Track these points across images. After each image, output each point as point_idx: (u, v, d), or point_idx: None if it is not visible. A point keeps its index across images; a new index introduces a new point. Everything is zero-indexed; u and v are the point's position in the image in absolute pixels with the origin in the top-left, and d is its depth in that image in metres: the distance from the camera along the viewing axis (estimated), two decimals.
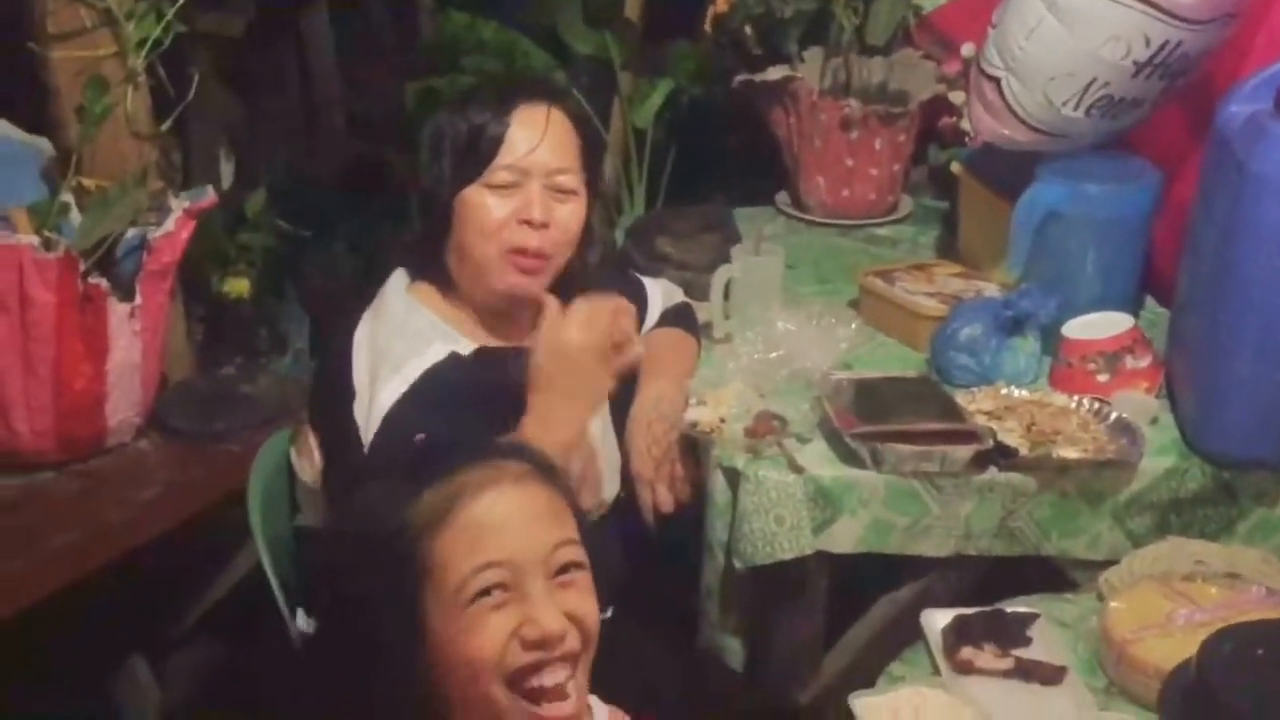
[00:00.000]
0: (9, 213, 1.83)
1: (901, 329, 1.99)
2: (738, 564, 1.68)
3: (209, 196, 1.97)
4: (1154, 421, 1.77)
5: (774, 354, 1.84)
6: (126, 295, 1.87)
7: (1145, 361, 1.83)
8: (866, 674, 1.56)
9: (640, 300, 1.88)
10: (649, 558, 1.72)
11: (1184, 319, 1.79)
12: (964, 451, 1.65)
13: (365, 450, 1.49)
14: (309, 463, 1.60)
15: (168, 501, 1.90)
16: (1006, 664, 1.47)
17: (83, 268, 1.81)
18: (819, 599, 1.74)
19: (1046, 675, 1.46)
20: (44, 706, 2.13)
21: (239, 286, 2.22)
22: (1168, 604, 1.50)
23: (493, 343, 1.62)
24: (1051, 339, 1.87)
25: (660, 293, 1.91)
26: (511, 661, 1.08)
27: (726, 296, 1.96)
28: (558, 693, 1.10)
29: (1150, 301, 2.03)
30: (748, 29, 2.53)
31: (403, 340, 1.55)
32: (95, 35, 1.91)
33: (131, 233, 1.88)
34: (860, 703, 1.40)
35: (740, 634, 1.74)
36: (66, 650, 2.12)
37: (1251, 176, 1.58)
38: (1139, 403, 1.77)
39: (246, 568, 2.04)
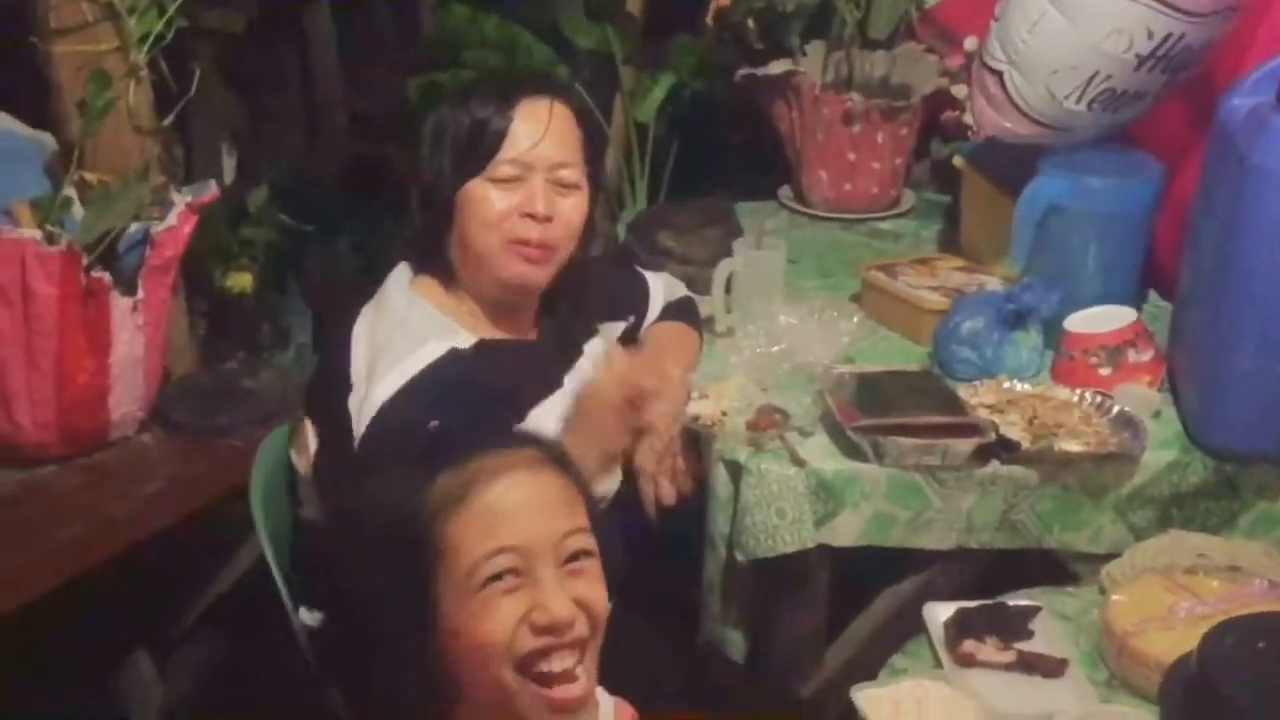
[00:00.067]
0: (12, 207, 1.84)
1: (904, 323, 1.99)
2: (739, 557, 1.69)
3: (211, 191, 1.97)
4: (1156, 415, 1.77)
5: (776, 348, 1.84)
6: (129, 290, 1.88)
7: (1147, 355, 1.83)
8: (868, 667, 1.56)
9: (642, 295, 1.88)
10: (651, 551, 1.72)
11: (1186, 312, 1.79)
12: (966, 445, 1.65)
13: (356, 444, 1.49)
14: (304, 456, 1.60)
15: (170, 496, 1.90)
16: (1008, 657, 1.47)
17: (85, 262, 1.81)
18: (821, 592, 1.74)
19: (1048, 668, 1.46)
20: (47, 702, 2.14)
21: (241, 281, 2.22)
22: (1169, 597, 1.50)
23: (495, 335, 1.62)
24: (1053, 333, 1.87)
25: (662, 287, 1.91)
26: (521, 646, 1.09)
27: (728, 290, 1.96)
28: (566, 676, 1.11)
29: (1152, 295, 2.04)
30: (750, 23, 2.53)
31: (401, 335, 1.55)
32: (97, 30, 1.91)
33: (134, 227, 1.88)
34: (862, 695, 1.40)
35: (742, 627, 1.74)
36: (70, 645, 2.13)
37: (1253, 170, 1.58)
38: (1141, 396, 1.77)
39: (249, 562, 2.04)
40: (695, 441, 1.74)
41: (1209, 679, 1.27)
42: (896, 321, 2.00)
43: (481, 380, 1.54)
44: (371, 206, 2.79)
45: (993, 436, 1.66)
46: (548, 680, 1.10)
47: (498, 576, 1.09)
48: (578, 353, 1.72)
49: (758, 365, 1.82)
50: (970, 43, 2.08)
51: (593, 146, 1.65)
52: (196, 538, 2.07)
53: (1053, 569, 1.72)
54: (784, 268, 2.04)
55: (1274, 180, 1.57)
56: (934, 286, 2.00)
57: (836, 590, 1.75)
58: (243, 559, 2.11)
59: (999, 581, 1.65)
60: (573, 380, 1.68)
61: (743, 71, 2.48)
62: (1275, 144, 1.57)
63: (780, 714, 1.58)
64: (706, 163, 2.80)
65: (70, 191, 1.89)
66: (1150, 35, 1.76)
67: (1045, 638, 1.51)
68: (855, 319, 1.94)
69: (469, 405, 1.47)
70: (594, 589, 1.13)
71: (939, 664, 1.49)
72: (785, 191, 2.53)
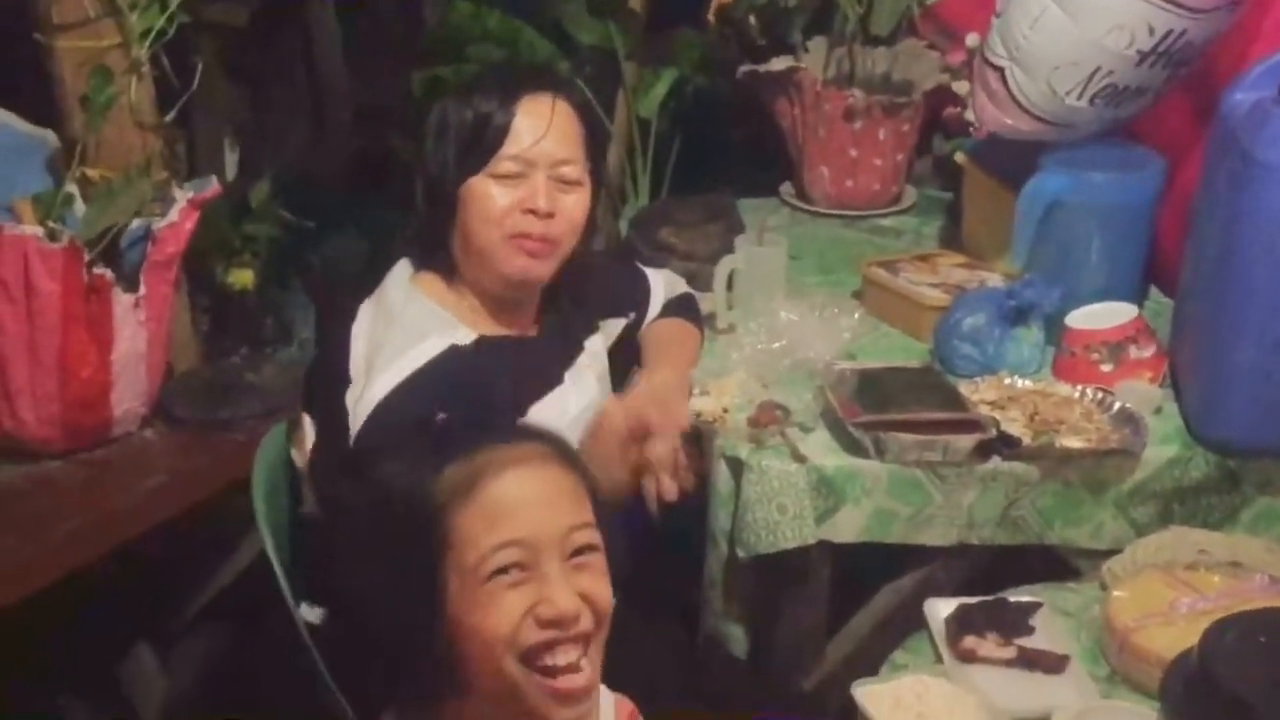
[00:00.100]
0: (14, 204, 1.84)
1: (905, 319, 1.99)
2: (741, 553, 1.69)
3: (213, 187, 1.97)
4: (1157, 411, 1.77)
5: (777, 344, 1.84)
6: (131, 285, 1.88)
7: (1149, 351, 1.83)
8: (869, 662, 1.56)
9: (643, 291, 1.88)
10: (652, 547, 1.72)
11: (1187, 307, 1.79)
12: (967, 441, 1.66)
13: (351, 438, 1.49)
14: (303, 451, 1.60)
15: (172, 490, 1.90)
16: (1009, 653, 1.47)
17: (87, 258, 1.82)
18: (822, 588, 1.74)
19: (1049, 664, 1.47)
20: (51, 694, 2.14)
21: (243, 278, 2.22)
22: (1171, 593, 1.50)
23: (496, 331, 1.62)
24: (1055, 329, 1.87)
25: (663, 283, 1.91)
26: (526, 639, 1.10)
27: (730, 287, 1.96)
28: (570, 669, 1.12)
29: (1154, 291, 2.04)
30: (752, 19, 2.53)
31: (401, 331, 1.55)
32: (99, 25, 1.91)
33: (136, 223, 1.89)
34: (863, 691, 1.40)
35: (743, 622, 1.75)
36: (73, 638, 2.13)
37: (1256, 164, 1.58)
38: (1142, 392, 1.77)
39: (251, 556, 2.05)
40: (697, 438, 1.73)
41: (1210, 674, 1.27)
42: (898, 318, 2.00)
43: (481, 376, 1.54)
44: (374, 202, 2.79)
45: (994, 433, 1.67)
46: (551, 673, 1.11)
47: (504, 570, 1.10)
48: (579, 349, 1.72)
49: (759, 361, 1.82)
50: (972, 39, 2.08)
51: (595, 143, 1.65)
52: (198, 532, 2.08)
53: (1054, 565, 1.72)
54: (785, 264, 2.04)
55: (1276, 174, 1.57)
56: (935, 283, 2.00)
57: (837, 586, 1.75)
58: (244, 553, 2.12)
59: (1000, 577, 1.65)
60: (573, 377, 1.68)
61: (745, 67, 2.48)
62: (1278, 138, 1.57)
63: None
64: (708, 159, 2.79)
65: (72, 188, 1.89)
66: (1152, 31, 1.76)
67: (1046, 634, 1.51)
68: (856, 315, 1.94)
69: (469, 401, 1.47)
70: (599, 583, 1.14)
71: (940, 660, 1.49)
72: (787, 188, 2.53)
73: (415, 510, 1.11)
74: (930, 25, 2.47)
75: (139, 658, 2.17)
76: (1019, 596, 1.57)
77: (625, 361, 1.81)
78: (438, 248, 1.61)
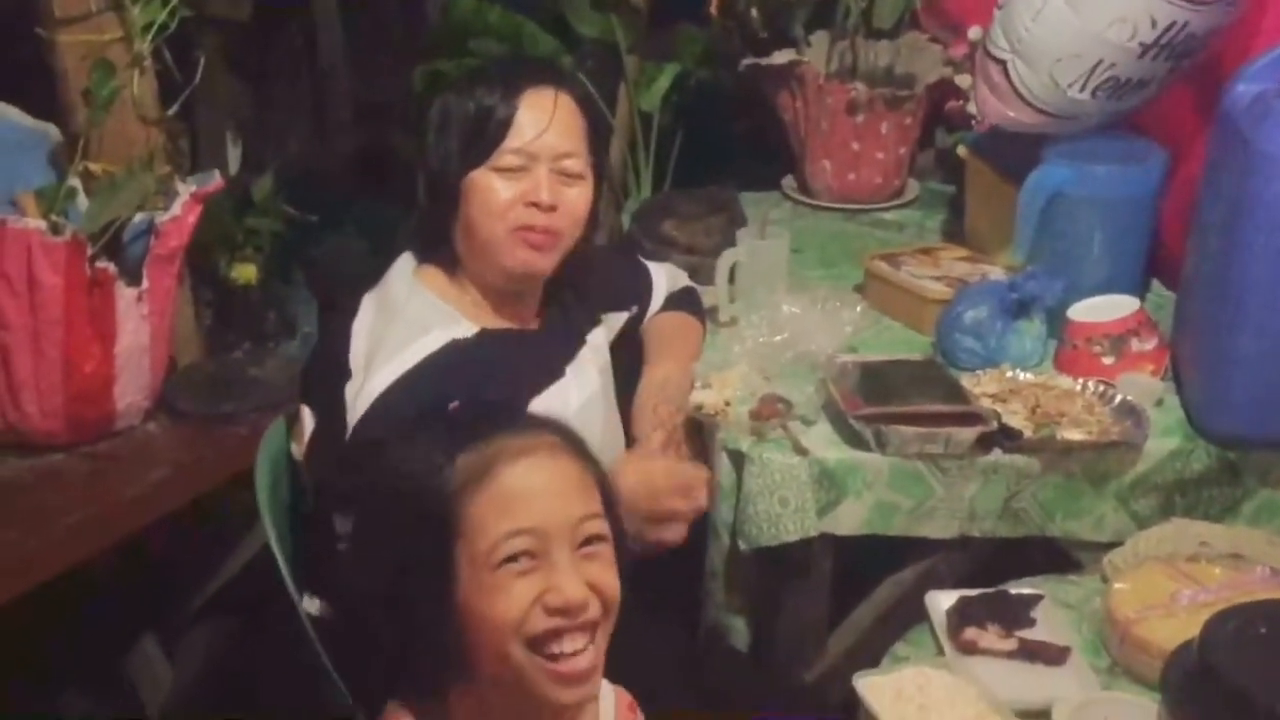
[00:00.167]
0: (17, 197, 1.84)
1: (907, 312, 1.99)
2: (743, 545, 1.69)
3: (216, 181, 1.97)
4: (1159, 404, 1.77)
5: (779, 337, 1.85)
6: (134, 279, 1.88)
7: (1151, 344, 1.83)
8: (871, 654, 1.57)
9: (645, 285, 1.88)
10: None
11: (1190, 299, 1.79)
12: (968, 433, 1.66)
13: (349, 431, 1.49)
14: (302, 444, 1.61)
15: (176, 483, 1.91)
16: (1010, 645, 1.48)
17: (90, 252, 1.82)
18: (823, 580, 1.74)
19: (1050, 656, 1.47)
20: (57, 686, 2.15)
21: (246, 272, 2.23)
22: (1172, 585, 1.51)
23: (498, 325, 1.63)
24: (1057, 322, 1.87)
25: (665, 277, 1.91)
26: (533, 626, 1.11)
27: (732, 280, 1.97)
28: (575, 655, 1.13)
29: (1156, 284, 2.03)
30: (754, 12, 2.53)
31: (402, 325, 1.55)
32: (101, 20, 1.91)
33: (139, 217, 1.89)
34: (864, 683, 1.40)
35: (745, 615, 1.75)
36: (77, 630, 2.14)
37: (1258, 156, 1.58)
38: (1144, 385, 1.77)
39: (255, 548, 2.05)
40: (698, 431, 1.74)
41: (1211, 666, 1.27)
42: (900, 311, 2.00)
43: (482, 369, 1.54)
44: (377, 196, 2.79)
45: (995, 425, 1.67)
46: (556, 660, 1.12)
47: (514, 558, 1.11)
48: (580, 342, 1.72)
49: (761, 355, 1.83)
50: (974, 32, 2.08)
51: (597, 136, 1.65)
52: (202, 525, 2.09)
53: (1055, 557, 1.73)
54: (787, 257, 2.04)
55: (1278, 167, 1.57)
56: (937, 276, 2.01)
57: (839, 578, 1.76)
58: (248, 545, 2.12)
59: (1001, 570, 1.65)
60: (575, 370, 1.68)
61: (747, 61, 2.48)
62: None
63: None
64: (711, 152, 2.80)
65: (75, 182, 1.89)
66: (1154, 23, 1.76)
67: (1047, 626, 1.52)
68: (858, 308, 1.94)
69: (469, 395, 1.47)
70: (607, 573, 1.15)
71: (941, 652, 1.49)
72: (789, 181, 2.53)
73: (429, 496, 1.12)
74: (932, 18, 2.47)
75: (144, 650, 2.18)
76: (1020, 589, 1.57)
77: (627, 355, 1.81)
78: (440, 241, 1.61)
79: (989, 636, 1.48)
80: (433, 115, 1.60)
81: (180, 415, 2.01)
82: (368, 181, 2.98)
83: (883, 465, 1.66)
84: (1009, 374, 1.80)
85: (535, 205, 1.56)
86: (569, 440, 1.18)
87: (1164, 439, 1.71)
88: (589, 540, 1.14)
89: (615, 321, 1.82)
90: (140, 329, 1.90)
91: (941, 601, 1.54)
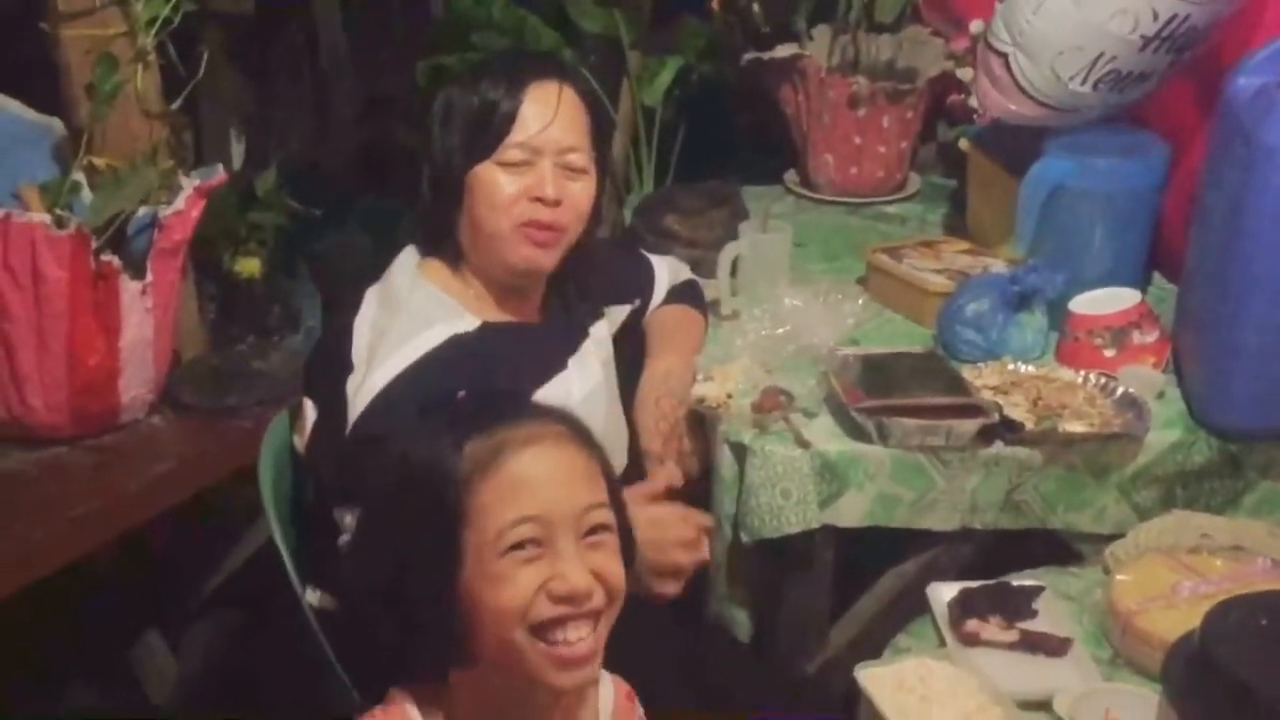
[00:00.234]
0: (21, 191, 1.85)
1: (908, 305, 1.99)
2: (745, 538, 1.69)
3: (219, 175, 1.97)
4: (1160, 396, 1.77)
5: (781, 330, 1.85)
6: (138, 273, 1.89)
7: (1152, 337, 1.83)
8: (873, 646, 1.57)
9: (647, 278, 1.89)
10: None
11: (1191, 291, 1.79)
12: (970, 425, 1.66)
13: (349, 426, 1.50)
14: (302, 436, 1.61)
15: (180, 476, 1.91)
16: (1012, 636, 1.48)
17: (95, 245, 1.82)
18: (825, 572, 1.75)
19: (1051, 647, 1.47)
20: (61, 680, 2.16)
21: (250, 267, 2.23)
22: (1173, 576, 1.51)
23: (501, 318, 1.63)
24: (1058, 314, 1.87)
25: (667, 270, 1.91)
26: (538, 614, 1.12)
27: (734, 273, 1.97)
28: (576, 642, 1.13)
29: (1158, 277, 2.03)
30: (756, 6, 2.53)
31: (405, 319, 1.56)
32: (105, 14, 1.92)
33: (143, 211, 1.89)
34: (866, 674, 1.41)
35: (747, 607, 1.75)
36: (81, 623, 2.15)
37: (1260, 148, 1.58)
38: (1145, 377, 1.78)
39: (259, 541, 2.06)
40: (700, 423, 1.74)
41: (1211, 657, 1.27)
42: (901, 304, 2.00)
43: (485, 362, 1.55)
44: (380, 190, 2.80)
45: (996, 417, 1.67)
46: (558, 644, 1.13)
47: (519, 545, 1.12)
48: (583, 335, 1.73)
49: (763, 347, 1.83)
50: (976, 25, 2.09)
51: (600, 131, 1.66)
52: (206, 518, 2.09)
53: (1056, 549, 1.73)
54: (789, 251, 2.05)
55: None
56: (939, 269, 2.01)
57: (841, 570, 1.76)
58: (252, 538, 2.13)
59: (1003, 562, 1.66)
60: (577, 363, 1.68)
61: (749, 55, 2.49)
62: None
63: None
64: (713, 146, 2.80)
65: (79, 176, 1.89)
66: (1155, 16, 1.76)
67: (1049, 617, 1.52)
68: (860, 302, 1.94)
69: (472, 388, 1.47)
70: (612, 562, 1.16)
71: (943, 643, 1.49)
72: (791, 175, 2.53)
73: (437, 484, 1.13)
74: (934, 12, 2.47)
75: (149, 643, 2.18)
76: (1022, 580, 1.57)
77: (630, 348, 1.82)
78: (444, 235, 1.62)
79: (991, 628, 1.48)
80: (437, 109, 1.60)
81: (184, 409, 2.02)
82: (371, 176, 2.98)
83: (884, 457, 1.67)
84: (1010, 366, 1.80)
85: (539, 200, 1.56)
86: (575, 430, 1.19)
87: (1165, 431, 1.71)
88: (594, 529, 1.15)
89: (618, 314, 1.82)
90: (144, 322, 1.91)
91: (943, 593, 1.54)
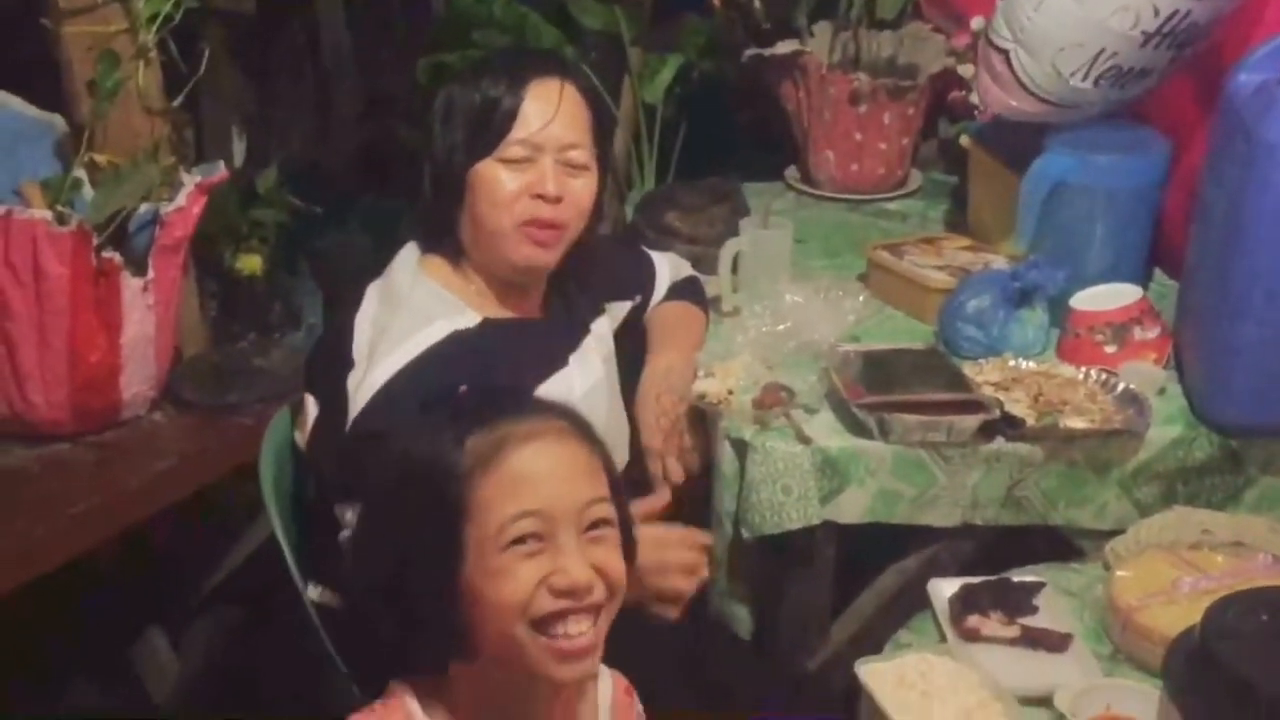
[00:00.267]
0: (22, 188, 1.85)
1: (909, 301, 1.99)
2: (745, 534, 1.70)
3: (220, 172, 1.97)
4: (1161, 392, 1.77)
5: (782, 326, 1.85)
6: (139, 269, 1.89)
7: (1153, 333, 1.83)
8: (874, 642, 1.57)
9: (648, 274, 1.89)
10: None
11: (1192, 287, 1.79)
12: (971, 421, 1.66)
13: (350, 422, 1.50)
14: (303, 432, 1.61)
15: (181, 472, 1.91)
16: (1013, 632, 1.48)
17: (96, 242, 1.82)
18: (826, 568, 1.75)
19: (1052, 643, 1.47)
20: (62, 677, 2.16)
21: (251, 263, 2.23)
22: (1173, 572, 1.51)
23: (502, 315, 1.63)
24: (1059, 310, 1.87)
25: (668, 266, 1.91)
26: (539, 608, 1.12)
27: (735, 270, 1.97)
28: (577, 635, 1.14)
29: (1158, 273, 2.04)
30: (757, 3, 2.53)
31: (406, 315, 1.56)
32: (106, 10, 1.91)
33: (144, 208, 1.89)
34: (867, 670, 1.41)
35: (748, 603, 1.76)
36: (82, 620, 2.15)
37: (1261, 144, 1.59)
38: (1146, 373, 1.78)
39: (260, 538, 2.06)
40: (701, 419, 1.74)
41: (1212, 653, 1.28)
42: (902, 300, 2.00)
43: (485, 359, 1.55)
44: (381, 188, 2.80)
45: (998, 414, 1.67)
46: (558, 638, 1.13)
47: (521, 539, 1.12)
48: (584, 332, 1.73)
49: (764, 344, 1.83)
50: (977, 22, 2.08)
51: (601, 127, 1.65)
52: (207, 514, 2.09)
53: (1057, 545, 1.73)
54: (790, 247, 2.05)
55: None
56: (940, 266, 2.01)
57: (842, 566, 1.76)
58: (253, 535, 2.13)
59: (1004, 558, 1.66)
60: (578, 359, 1.69)
61: (750, 52, 2.49)
62: None
63: None
64: (714, 143, 2.80)
65: (80, 172, 1.89)
66: (1156, 12, 1.76)
67: (1049, 613, 1.52)
68: (861, 298, 1.95)
69: (472, 384, 1.47)
70: (613, 557, 1.16)
71: (944, 639, 1.50)
72: (792, 171, 2.53)
73: (438, 479, 1.13)
74: (935, 8, 2.47)
75: (150, 640, 2.19)
76: (1023, 576, 1.58)
77: (631, 344, 1.82)
78: (445, 232, 1.62)
79: (991, 624, 1.49)
80: (438, 107, 1.60)
81: (185, 405, 2.02)
82: (372, 174, 2.98)
83: (885, 454, 1.67)
84: (1011, 362, 1.80)
85: (541, 197, 1.56)
86: (577, 425, 1.19)
87: (1166, 427, 1.71)
88: (595, 524, 1.15)
89: (619, 311, 1.82)
90: (146, 319, 1.91)
91: (944, 589, 1.55)
